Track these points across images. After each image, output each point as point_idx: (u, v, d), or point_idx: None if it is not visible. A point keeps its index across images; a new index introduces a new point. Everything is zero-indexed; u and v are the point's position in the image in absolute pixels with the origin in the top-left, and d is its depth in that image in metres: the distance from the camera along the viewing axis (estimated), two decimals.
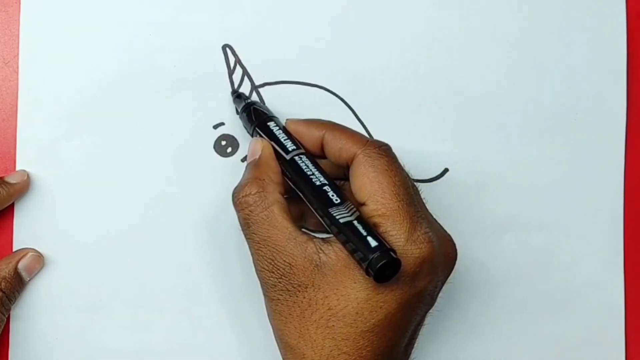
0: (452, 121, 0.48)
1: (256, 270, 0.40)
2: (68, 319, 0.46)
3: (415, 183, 0.41)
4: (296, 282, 0.38)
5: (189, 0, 0.47)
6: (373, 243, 0.36)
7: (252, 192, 0.40)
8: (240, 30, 0.47)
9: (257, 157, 0.42)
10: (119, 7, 0.47)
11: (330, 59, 0.48)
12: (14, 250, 0.46)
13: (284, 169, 0.41)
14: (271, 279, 0.39)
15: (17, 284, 0.45)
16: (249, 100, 0.46)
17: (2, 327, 0.44)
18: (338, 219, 0.38)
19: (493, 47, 0.49)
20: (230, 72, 0.47)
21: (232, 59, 0.47)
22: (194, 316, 0.47)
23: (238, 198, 0.40)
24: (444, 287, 0.41)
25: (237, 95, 0.46)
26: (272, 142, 0.42)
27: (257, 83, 0.47)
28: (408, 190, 0.39)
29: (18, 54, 0.47)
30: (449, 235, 0.41)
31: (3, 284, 0.44)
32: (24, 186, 0.46)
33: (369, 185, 0.39)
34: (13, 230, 0.46)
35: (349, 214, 0.38)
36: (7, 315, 0.45)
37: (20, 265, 0.45)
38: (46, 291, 0.46)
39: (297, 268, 0.38)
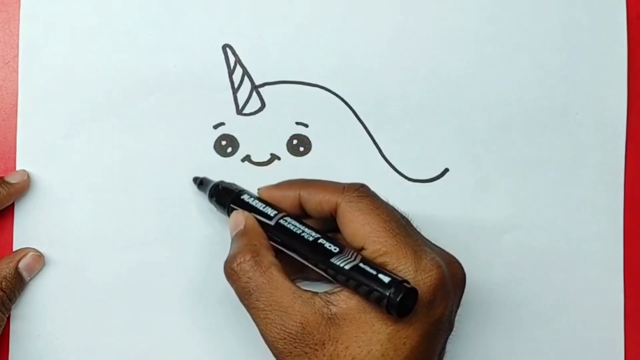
0: (452, 121, 0.48)
1: (267, 341, 0.39)
2: (68, 319, 0.46)
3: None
4: (312, 341, 0.37)
5: (189, 0, 0.47)
6: (386, 279, 0.36)
7: (247, 259, 0.39)
8: (240, 30, 0.47)
9: (242, 227, 0.41)
10: (119, 7, 0.47)
11: (330, 59, 0.48)
12: (14, 250, 0.46)
13: (270, 235, 0.41)
14: (286, 346, 0.37)
15: (17, 284, 0.45)
16: (213, 182, 0.46)
17: (3, 327, 0.44)
18: (343, 266, 0.37)
19: (493, 47, 0.49)
20: (230, 72, 0.47)
21: (232, 59, 0.47)
22: (194, 316, 0.47)
23: (232, 267, 0.39)
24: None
25: (199, 182, 0.46)
26: (252, 213, 0.42)
27: (257, 83, 0.47)
28: (400, 223, 0.39)
29: (18, 54, 0.47)
30: (452, 256, 0.41)
31: (4, 283, 0.44)
32: (24, 186, 0.46)
33: (361, 229, 0.39)
34: (13, 230, 0.46)
35: (352, 259, 0.38)
36: (7, 315, 0.45)
37: (21, 265, 0.45)
38: (46, 291, 0.46)
39: (310, 326, 0.37)
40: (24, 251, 0.46)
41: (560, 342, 0.49)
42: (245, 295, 0.39)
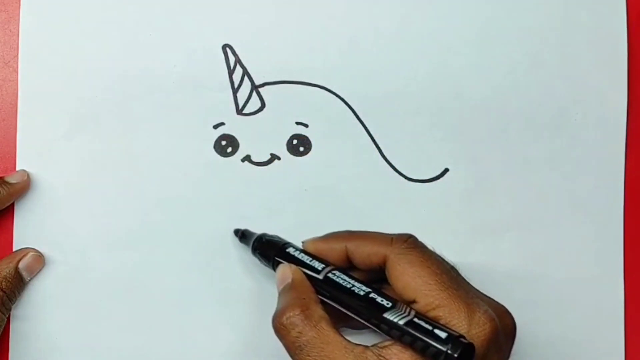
0: (452, 121, 0.48)
1: None
2: (68, 319, 0.46)
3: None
4: None
5: (189, 0, 0.47)
6: (443, 335, 0.36)
7: (297, 313, 0.38)
8: (240, 30, 0.47)
9: (289, 281, 0.41)
10: (119, 7, 0.47)
11: (331, 59, 0.48)
12: (14, 250, 0.46)
13: (318, 289, 0.41)
14: None
15: (17, 284, 0.45)
16: (256, 235, 0.45)
17: (3, 327, 0.44)
18: (397, 322, 0.37)
19: (493, 47, 0.49)
20: (230, 72, 0.47)
21: (232, 59, 0.47)
22: (194, 316, 0.47)
23: (281, 321, 0.39)
24: None
25: (241, 235, 0.46)
26: (299, 267, 0.42)
27: (257, 83, 0.47)
28: (450, 275, 0.39)
29: (18, 54, 0.47)
30: (503, 306, 0.40)
31: (4, 283, 0.44)
32: (24, 186, 0.46)
33: (413, 282, 0.38)
34: (13, 230, 0.46)
35: (406, 314, 0.37)
36: (7, 315, 0.45)
37: (21, 265, 0.45)
38: (46, 291, 0.46)
39: None
40: (24, 251, 0.46)
41: (560, 342, 0.49)
42: (295, 350, 0.38)
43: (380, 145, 0.48)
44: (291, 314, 0.39)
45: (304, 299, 0.40)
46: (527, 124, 0.49)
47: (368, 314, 0.38)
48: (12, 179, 0.45)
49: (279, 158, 0.48)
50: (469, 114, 0.48)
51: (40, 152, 0.46)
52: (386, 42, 0.48)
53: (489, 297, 0.40)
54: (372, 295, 0.39)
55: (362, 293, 0.39)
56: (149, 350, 0.47)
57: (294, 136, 0.48)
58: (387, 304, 0.38)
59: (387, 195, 0.48)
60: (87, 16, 0.47)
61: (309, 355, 0.38)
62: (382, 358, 0.37)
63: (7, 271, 0.45)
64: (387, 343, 0.37)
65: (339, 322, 0.40)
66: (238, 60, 0.47)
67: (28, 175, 0.46)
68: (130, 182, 0.47)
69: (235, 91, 0.47)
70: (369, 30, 0.48)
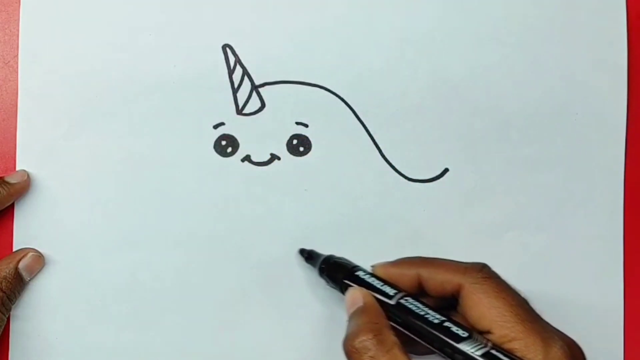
0: (452, 121, 0.48)
1: None
2: (68, 319, 0.46)
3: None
4: None
5: (189, 0, 0.47)
6: None
7: (370, 337, 0.38)
8: (240, 30, 0.47)
9: (361, 305, 0.41)
10: (119, 7, 0.47)
11: (330, 59, 0.48)
12: (14, 250, 0.46)
13: (389, 315, 0.41)
14: None
15: (17, 284, 0.45)
16: (324, 256, 0.45)
17: (3, 327, 0.44)
18: (473, 353, 0.37)
19: (493, 47, 0.49)
20: (230, 72, 0.47)
21: (232, 59, 0.47)
22: (194, 316, 0.47)
23: (354, 344, 0.38)
24: None
25: (307, 256, 0.46)
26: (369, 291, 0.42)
27: (257, 83, 0.47)
28: (525, 307, 0.39)
29: (18, 54, 0.47)
30: (572, 340, 0.40)
31: (4, 283, 0.44)
32: (24, 186, 0.46)
33: (488, 313, 0.38)
34: (13, 230, 0.46)
35: (483, 345, 0.37)
36: (7, 315, 0.45)
37: (21, 265, 0.45)
38: (46, 291, 0.46)
39: None
40: (24, 251, 0.46)
41: None
42: None
43: (380, 145, 0.48)
44: (364, 337, 0.38)
45: (376, 323, 0.39)
46: (527, 124, 0.49)
47: (442, 343, 0.38)
48: (12, 179, 0.45)
49: (279, 158, 0.48)
50: (469, 114, 0.48)
51: (40, 152, 0.46)
52: (386, 42, 0.48)
53: (558, 330, 0.40)
54: (446, 324, 0.39)
55: (436, 321, 0.39)
56: (149, 350, 0.47)
57: (294, 136, 0.48)
58: (463, 334, 0.38)
59: (387, 195, 0.48)
60: (87, 16, 0.47)
61: None
62: None
63: (7, 271, 0.45)
64: None
65: (405, 347, 0.40)
66: (238, 60, 0.47)
67: (28, 175, 0.46)
68: (130, 182, 0.47)
69: (235, 91, 0.47)
70: (369, 30, 0.48)
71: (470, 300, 0.39)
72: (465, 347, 0.37)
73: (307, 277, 0.47)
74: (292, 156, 0.48)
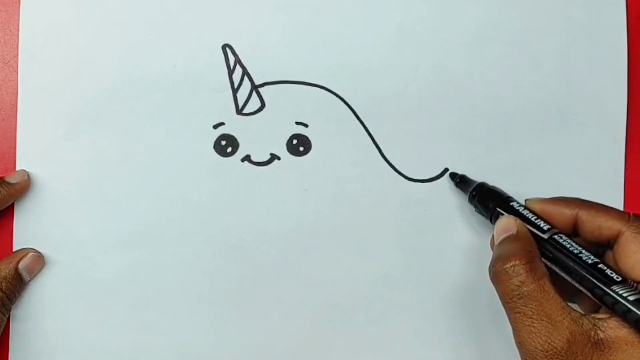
0: (452, 121, 0.48)
1: (523, 348, 0.38)
2: (68, 319, 0.46)
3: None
4: None
5: (189, 0, 0.47)
6: None
7: (523, 262, 0.38)
8: (240, 30, 0.47)
9: (514, 232, 0.41)
10: (119, 7, 0.47)
11: (330, 59, 0.48)
12: (14, 250, 0.46)
13: (541, 249, 0.40)
14: (545, 358, 0.37)
15: (17, 284, 0.45)
16: (477, 182, 0.46)
17: (3, 327, 0.44)
18: (627, 296, 0.37)
19: (493, 46, 0.49)
20: (230, 72, 0.47)
21: (232, 59, 0.47)
22: (194, 316, 0.47)
23: (505, 267, 0.38)
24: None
25: (459, 179, 0.46)
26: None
27: (257, 83, 0.48)
28: None
29: (18, 54, 0.47)
30: None
31: (4, 284, 0.44)
32: (24, 186, 0.46)
33: None
34: (13, 230, 0.46)
35: (637, 291, 0.37)
36: (7, 316, 0.45)
37: (21, 265, 0.45)
38: (46, 291, 0.46)
39: (576, 346, 0.36)
40: (24, 251, 0.46)
41: None
42: (513, 298, 0.38)
43: (380, 145, 0.48)
44: (517, 262, 0.38)
45: (529, 251, 0.39)
46: (527, 124, 0.49)
47: (593, 284, 0.38)
48: (12, 179, 0.45)
49: (278, 158, 0.48)
50: (469, 114, 0.48)
51: (40, 152, 0.46)
52: (386, 42, 0.48)
53: None
54: (600, 265, 0.38)
55: (590, 261, 0.39)
56: (149, 350, 0.47)
57: (293, 136, 0.48)
58: (617, 277, 0.38)
59: (387, 195, 0.48)
60: (87, 16, 0.47)
61: (525, 306, 0.38)
62: (597, 328, 0.37)
63: (7, 271, 0.45)
64: (603, 315, 0.38)
65: None
66: (238, 60, 0.47)
67: (28, 175, 0.46)
68: (130, 182, 0.47)
69: (235, 91, 0.47)
70: (369, 30, 0.48)
71: (628, 248, 0.39)
72: (618, 289, 0.37)
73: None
74: (292, 156, 0.48)
